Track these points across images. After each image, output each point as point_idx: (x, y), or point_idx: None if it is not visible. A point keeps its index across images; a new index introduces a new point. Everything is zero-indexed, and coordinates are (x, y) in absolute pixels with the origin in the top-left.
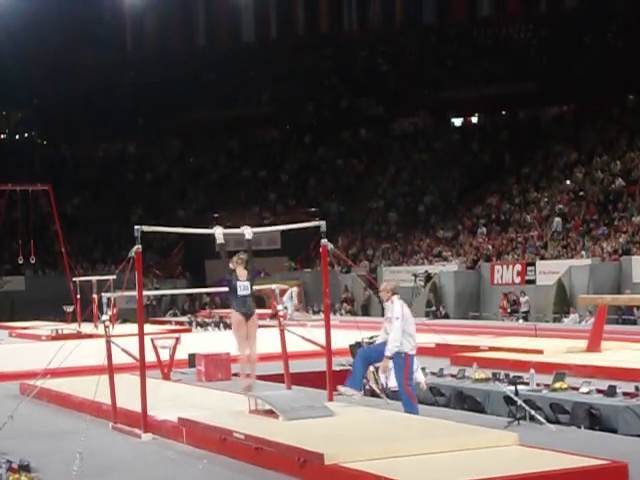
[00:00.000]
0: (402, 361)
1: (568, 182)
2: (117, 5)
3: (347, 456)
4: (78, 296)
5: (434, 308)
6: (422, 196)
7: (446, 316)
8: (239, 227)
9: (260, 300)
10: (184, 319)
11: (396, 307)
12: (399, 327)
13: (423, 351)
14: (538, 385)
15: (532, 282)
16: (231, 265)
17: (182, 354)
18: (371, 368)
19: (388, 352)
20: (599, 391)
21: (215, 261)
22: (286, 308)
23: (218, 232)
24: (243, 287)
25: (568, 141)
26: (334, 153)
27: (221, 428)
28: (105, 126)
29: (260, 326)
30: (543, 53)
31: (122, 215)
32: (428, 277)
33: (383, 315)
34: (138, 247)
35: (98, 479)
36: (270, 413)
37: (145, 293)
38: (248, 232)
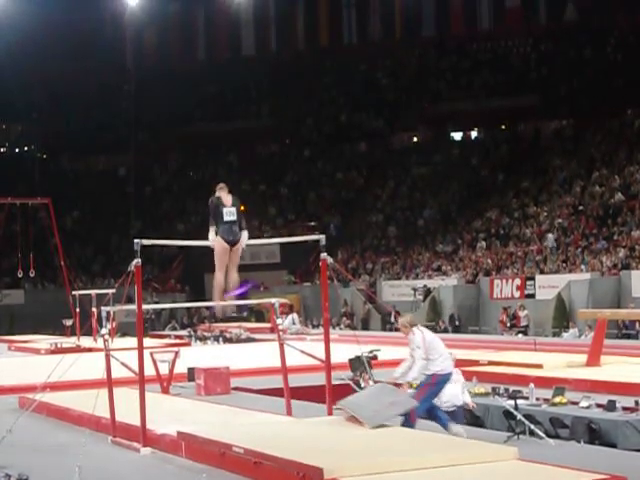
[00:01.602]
0: (428, 379)
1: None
2: (117, 18)
3: (346, 470)
4: (77, 310)
5: (433, 322)
6: (421, 210)
7: (445, 330)
8: None
9: (259, 314)
10: (183, 333)
11: (416, 338)
12: (418, 357)
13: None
14: (538, 399)
15: (531, 296)
16: (216, 193)
17: (181, 368)
18: (370, 382)
19: (409, 378)
20: (599, 405)
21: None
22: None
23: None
24: (229, 213)
25: (567, 155)
26: (334, 167)
27: (220, 442)
28: (105, 139)
29: (259, 340)
30: (542, 67)
31: (122, 229)
32: (427, 292)
33: (383, 329)
34: (137, 261)
35: None
36: (355, 420)
37: (144, 307)
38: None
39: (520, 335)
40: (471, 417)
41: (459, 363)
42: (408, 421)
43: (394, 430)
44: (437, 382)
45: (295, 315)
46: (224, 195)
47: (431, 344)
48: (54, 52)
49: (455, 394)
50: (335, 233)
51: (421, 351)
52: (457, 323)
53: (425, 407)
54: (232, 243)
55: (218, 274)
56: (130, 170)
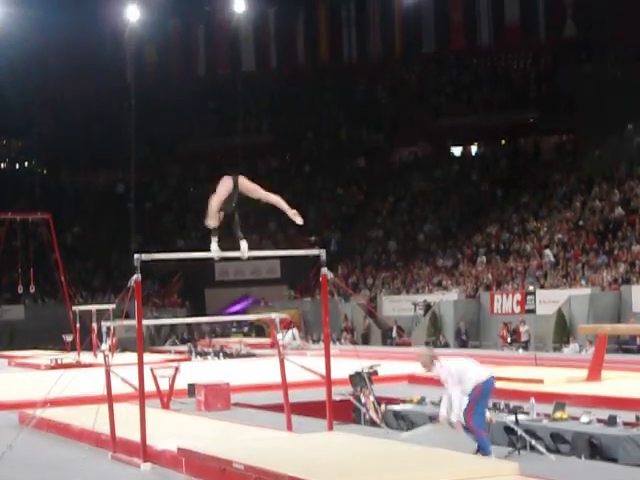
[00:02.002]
0: (472, 393)
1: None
2: (118, 35)
3: None
4: (77, 325)
5: (434, 337)
6: (422, 225)
7: (446, 345)
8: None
9: (260, 330)
10: (184, 348)
11: (442, 372)
12: (452, 391)
13: (423, 380)
14: (538, 415)
15: (532, 311)
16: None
17: (182, 383)
18: (371, 398)
19: (454, 418)
20: (599, 421)
21: (215, 290)
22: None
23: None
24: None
25: (567, 170)
26: (334, 182)
27: (221, 458)
28: (105, 155)
29: (260, 355)
30: (542, 82)
31: (122, 244)
32: (427, 307)
33: (384, 344)
34: (137, 276)
35: None
36: None
37: (145, 322)
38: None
39: (520, 350)
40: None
41: None
42: (483, 440)
43: (394, 445)
44: (481, 394)
45: (295, 330)
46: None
47: (459, 369)
48: (55, 68)
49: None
50: (336, 248)
51: (453, 380)
52: (464, 337)
53: (481, 418)
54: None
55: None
56: (130, 186)
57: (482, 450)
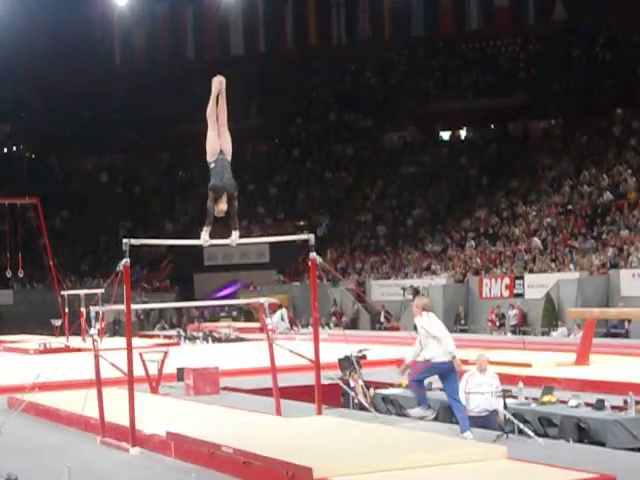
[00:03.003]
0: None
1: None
2: (106, 19)
3: (336, 470)
4: (66, 310)
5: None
6: (410, 210)
7: None
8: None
9: (249, 314)
10: (173, 333)
11: (424, 323)
12: (425, 343)
13: (411, 365)
14: (527, 399)
15: (520, 296)
16: None
17: (170, 368)
18: (360, 382)
19: (454, 354)
20: (587, 404)
21: (203, 274)
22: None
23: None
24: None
25: (556, 154)
26: (323, 166)
27: (209, 442)
28: (94, 139)
29: (249, 340)
30: (531, 66)
31: (110, 228)
32: (416, 291)
33: (372, 328)
34: (126, 260)
35: None
36: None
37: (133, 307)
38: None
39: (509, 334)
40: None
41: None
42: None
43: (383, 429)
44: (431, 367)
45: (284, 310)
46: None
47: (436, 332)
48: (43, 52)
49: (487, 398)
50: (326, 232)
51: (428, 335)
52: (463, 322)
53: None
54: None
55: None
56: (119, 170)
57: (422, 404)
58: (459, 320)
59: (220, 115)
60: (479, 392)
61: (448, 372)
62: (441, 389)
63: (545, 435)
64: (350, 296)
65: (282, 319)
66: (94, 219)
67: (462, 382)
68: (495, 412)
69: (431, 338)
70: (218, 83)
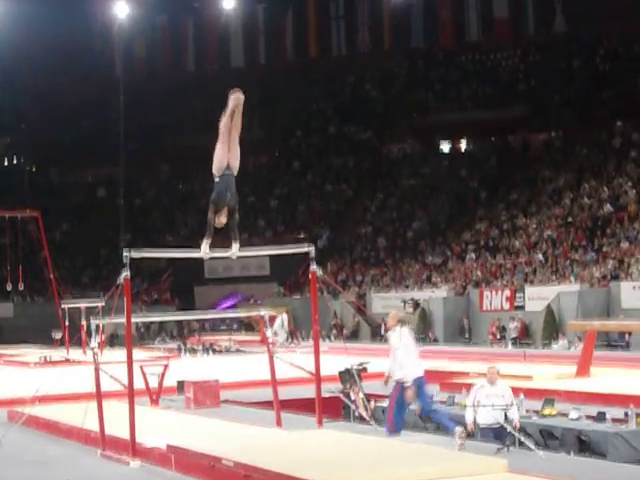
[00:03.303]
0: (395, 389)
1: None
2: (106, 31)
3: None
4: (67, 322)
5: (423, 334)
6: (411, 222)
7: (435, 342)
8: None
9: (249, 326)
10: (173, 345)
11: (395, 336)
12: (402, 356)
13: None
14: (527, 411)
15: (521, 308)
16: None
17: (171, 381)
18: (360, 395)
19: (407, 381)
20: (588, 417)
21: (204, 287)
22: (276, 334)
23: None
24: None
25: (556, 166)
26: (323, 179)
27: (210, 455)
28: (94, 151)
29: (249, 352)
30: (531, 78)
31: (111, 241)
32: (416, 304)
33: (373, 341)
34: (127, 273)
35: None
36: None
37: (134, 320)
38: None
39: (510, 346)
40: None
41: (451, 375)
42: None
43: (384, 442)
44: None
45: (285, 316)
46: None
47: (407, 348)
48: (43, 64)
49: (500, 411)
50: (326, 244)
51: (401, 352)
52: (467, 335)
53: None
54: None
55: (221, 147)
56: (119, 182)
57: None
58: (463, 333)
59: (233, 131)
60: (489, 404)
61: (420, 387)
62: (442, 402)
63: (546, 448)
64: (350, 308)
65: (282, 325)
66: (94, 232)
67: (471, 394)
68: (508, 423)
69: (403, 354)
70: (237, 99)
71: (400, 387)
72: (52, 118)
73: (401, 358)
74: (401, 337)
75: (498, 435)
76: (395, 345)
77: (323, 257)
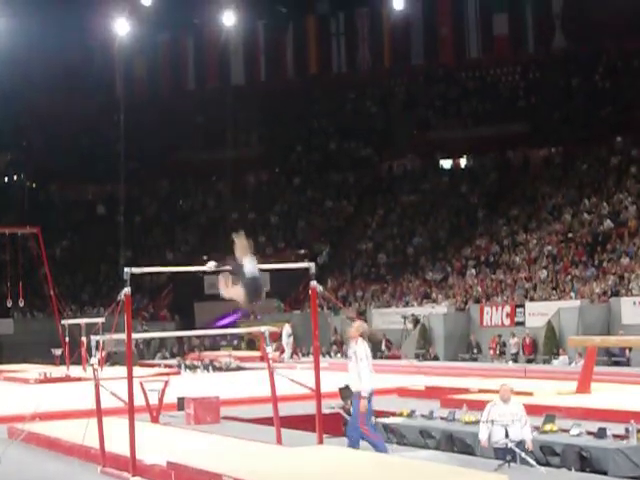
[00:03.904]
0: (357, 402)
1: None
2: (106, 48)
3: None
4: (67, 339)
5: (424, 350)
6: (411, 238)
7: (436, 358)
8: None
9: (252, 343)
10: (173, 362)
11: (358, 349)
12: (366, 367)
13: (413, 393)
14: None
15: (521, 324)
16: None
17: (171, 397)
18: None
19: (364, 393)
20: (589, 433)
21: (204, 303)
22: (280, 349)
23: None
24: (250, 269)
25: (556, 182)
26: (323, 195)
27: (210, 472)
28: (94, 168)
29: (249, 369)
30: (531, 95)
31: (111, 258)
32: (416, 321)
33: (373, 357)
34: (127, 290)
35: None
36: None
37: (134, 336)
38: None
39: (510, 362)
40: (462, 445)
41: (450, 391)
42: (380, 443)
43: (384, 459)
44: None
45: (287, 326)
46: (244, 250)
47: (367, 359)
48: (43, 81)
49: (514, 429)
50: (327, 260)
51: (365, 363)
52: (475, 351)
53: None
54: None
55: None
56: (119, 199)
57: (376, 448)
58: (471, 349)
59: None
60: (502, 423)
61: (370, 401)
62: (442, 418)
63: (547, 464)
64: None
65: (289, 335)
66: (94, 248)
67: (484, 412)
68: (522, 443)
69: (362, 367)
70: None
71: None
72: (52, 135)
73: (365, 369)
74: (365, 349)
75: (506, 455)
76: (361, 356)
77: (323, 273)
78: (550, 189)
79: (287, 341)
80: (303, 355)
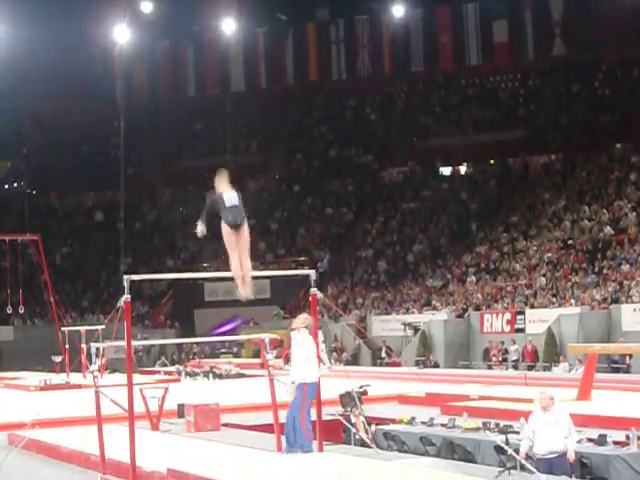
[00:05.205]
0: (301, 392)
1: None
2: (107, 56)
3: None
4: (67, 346)
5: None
6: (411, 245)
7: (436, 365)
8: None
9: (256, 351)
10: (173, 369)
11: (299, 338)
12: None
13: (413, 400)
14: None
15: (521, 331)
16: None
17: (171, 404)
18: (361, 418)
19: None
20: (590, 440)
21: (204, 310)
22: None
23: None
24: (231, 198)
25: (556, 189)
26: (323, 202)
27: (210, 479)
28: (94, 175)
29: (249, 376)
30: (531, 102)
31: (111, 264)
32: (415, 330)
33: (374, 364)
34: (127, 297)
35: None
36: None
37: (134, 343)
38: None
39: (510, 369)
40: (462, 452)
41: (450, 398)
42: (305, 441)
43: (385, 466)
44: (309, 392)
45: (320, 333)
46: (224, 185)
47: (307, 350)
48: (44, 89)
49: (556, 439)
50: (327, 268)
51: (301, 349)
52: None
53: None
54: (236, 225)
55: (233, 261)
56: (119, 206)
57: (302, 448)
58: (487, 356)
59: (241, 242)
60: (544, 433)
61: (314, 392)
62: (443, 425)
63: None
64: (351, 331)
65: (324, 340)
66: (94, 255)
67: (528, 423)
68: (564, 454)
69: (303, 356)
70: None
71: (310, 387)
72: (53, 142)
73: (297, 358)
74: (304, 339)
75: (554, 466)
76: (296, 344)
77: (323, 280)
78: (550, 196)
79: (322, 347)
80: None
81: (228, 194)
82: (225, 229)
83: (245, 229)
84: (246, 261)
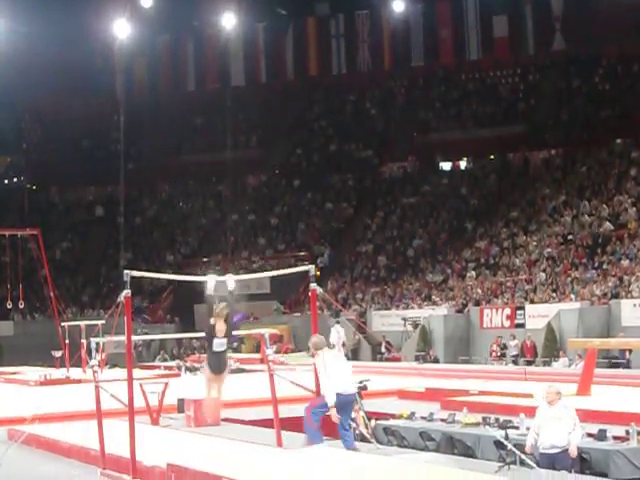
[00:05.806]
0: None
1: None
2: (107, 50)
3: None
4: (67, 341)
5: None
6: (411, 240)
7: (436, 360)
8: (226, 274)
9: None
10: (173, 364)
11: (319, 362)
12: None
13: (413, 395)
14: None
15: (521, 326)
16: (211, 320)
17: (171, 399)
18: (361, 413)
19: (330, 402)
20: (589, 435)
21: (204, 305)
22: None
23: (210, 283)
24: (219, 344)
25: (556, 184)
26: (323, 197)
27: (210, 474)
28: (94, 170)
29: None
30: (531, 97)
31: (111, 259)
32: (415, 325)
33: (373, 359)
34: (127, 292)
35: None
36: None
37: (134, 338)
38: (231, 283)
39: (510, 365)
40: (462, 447)
41: (450, 393)
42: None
43: (384, 461)
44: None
45: (337, 326)
46: (219, 324)
47: (327, 368)
48: (44, 83)
49: (559, 434)
50: (327, 263)
51: (323, 374)
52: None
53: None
54: (219, 373)
55: (209, 390)
56: (119, 201)
57: (311, 440)
58: (504, 350)
59: (219, 383)
60: (548, 427)
61: (346, 405)
62: (442, 420)
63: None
64: (351, 326)
65: (337, 332)
66: (94, 250)
67: (535, 417)
68: (567, 450)
69: (324, 379)
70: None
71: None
72: (53, 137)
73: (323, 380)
74: (323, 360)
75: (556, 461)
76: (320, 369)
77: (323, 275)
78: (550, 191)
79: (337, 342)
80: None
81: (218, 339)
82: (208, 373)
83: (225, 373)
84: (219, 396)
